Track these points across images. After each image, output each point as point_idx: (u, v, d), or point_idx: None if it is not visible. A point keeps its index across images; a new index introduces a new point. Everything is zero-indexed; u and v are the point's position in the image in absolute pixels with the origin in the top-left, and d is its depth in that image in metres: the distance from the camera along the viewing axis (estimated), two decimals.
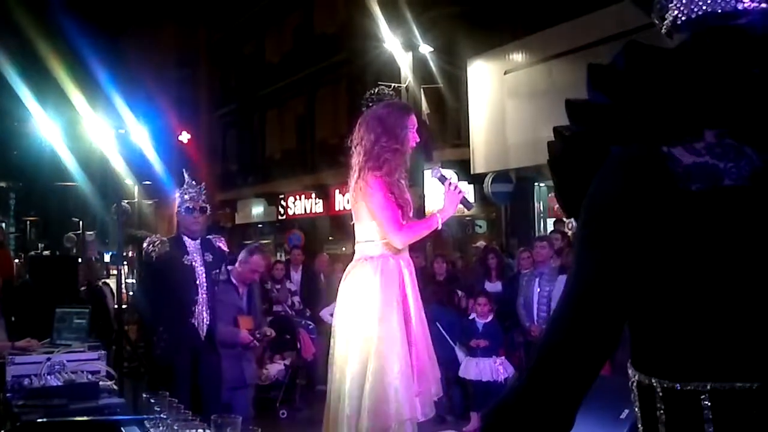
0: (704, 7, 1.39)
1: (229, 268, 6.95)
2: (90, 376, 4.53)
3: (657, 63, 1.38)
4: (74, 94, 25.70)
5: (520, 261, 8.59)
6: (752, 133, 1.33)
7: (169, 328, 5.72)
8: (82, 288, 9.90)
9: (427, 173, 13.19)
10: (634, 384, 1.44)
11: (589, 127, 1.44)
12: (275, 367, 9.02)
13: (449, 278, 9.45)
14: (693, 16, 1.39)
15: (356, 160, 4.13)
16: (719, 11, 1.37)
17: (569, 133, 1.47)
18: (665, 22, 1.45)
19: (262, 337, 7.22)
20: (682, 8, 1.41)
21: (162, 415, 2.59)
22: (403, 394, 3.86)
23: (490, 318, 8.20)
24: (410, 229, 4.05)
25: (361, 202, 4.04)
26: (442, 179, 4.32)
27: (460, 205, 4.28)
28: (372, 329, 3.90)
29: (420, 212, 14.34)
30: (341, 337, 4.00)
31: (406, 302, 4.04)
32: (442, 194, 4.26)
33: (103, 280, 12.34)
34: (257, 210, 29.08)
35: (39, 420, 3.50)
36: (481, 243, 13.75)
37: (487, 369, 7.92)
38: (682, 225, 1.33)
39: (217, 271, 6.09)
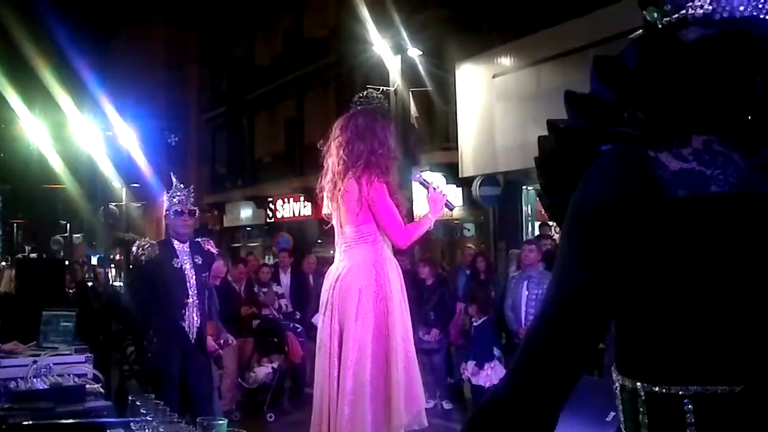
0: (726, 7, 1.35)
1: None
2: (76, 379, 4.50)
3: (668, 63, 1.35)
4: (61, 96, 25.62)
5: (524, 255, 8.39)
6: (742, 140, 1.33)
7: (159, 331, 5.71)
8: (71, 290, 9.87)
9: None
10: (618, 388, 1.44)
11: (588, 122, 1.42)
12: (263, 370, 9.01)
13: (438, 282, 9.46)
14: (717, 17, 1.35)
15: (340, 164, 4.22)
16: (743, 9, 1.34)
17: (565, 126, 1.45)
18: (674, 16, 1.39)
19: (225, 344, 7.21)
20: (705, 5, 1.36)
21: (148, 418, 2.58)
22: (421, 384, 4.25)
23: (481, 320, 8.26)
24: (412, 231, 4.28)
25: (354, 204, 4.13)
26: (425, 184, 4.53)
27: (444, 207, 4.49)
28: (390, 328, 4.07)
29: (409, 214, 14.34)
30: (354, 339, 4.05)
31: (405, 301, 4.25)
32: (426, 198, 4.46)
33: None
34: (246, 213, 29.02)
35: (25, 423, 3.48)
36: (469, 246, 13.77)
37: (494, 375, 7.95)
38: (667, 231, 1.32)
39: (206, 273, 6.09)
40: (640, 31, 1.48)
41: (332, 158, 4.28)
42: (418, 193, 15.18)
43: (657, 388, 1.35)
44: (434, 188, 4.46)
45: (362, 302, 4.07)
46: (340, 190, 4.18)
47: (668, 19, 1.39)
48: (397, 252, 4.38)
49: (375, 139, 4.21)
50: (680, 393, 1.33)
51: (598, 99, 1.42)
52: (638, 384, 1.38)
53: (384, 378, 4.03)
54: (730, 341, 1.31)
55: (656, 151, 1.35)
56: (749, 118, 1.31)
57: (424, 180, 4.58)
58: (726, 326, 1.31)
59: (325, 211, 4.40)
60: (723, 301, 1.31)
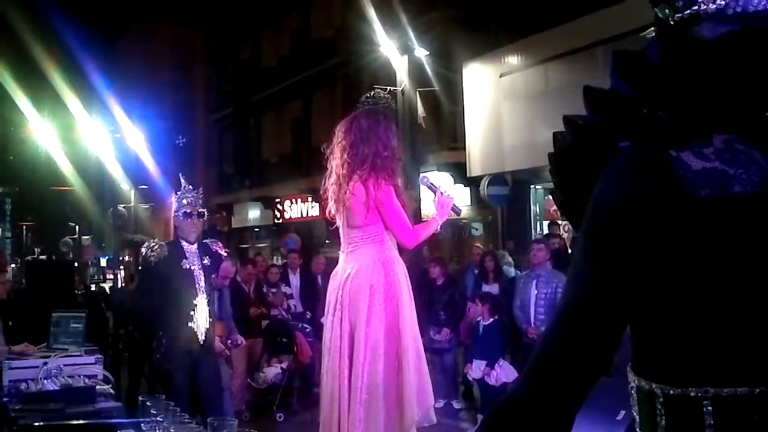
0: (740, 2, 1.32)
1: None
2: (87, 380, 4.52)
3: (689, 60, 1.33)
4: (70, 98, 25.68)
5: (533, 255, 8.34)
6: (765, 138, 1.32)
7: (168, 332, 5.72)
8: (80, 292, 9.88)
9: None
10: (634, 389, 1.43)
11: (607, 118, 1.41)
12: (272, 371, 9.02)
13: (448, 282, 9.44)
14: (730, 12, 1.33)
15: (345, 167, 4.25)
16: (756, 3, 1.31)
17: (583, 122, 1.44)
18: (686, 12, 1.37)
19: (233, 345, 7.20)
20: (718, 0, 1.34)
21: (158, 418, 2.58)
22: (430, 382, 4.29)
23: (491, 320, 8.25)
24: (419, 232, 4.34)
25: (361, 206, 4.17)
26: (433, 188, 4.58)
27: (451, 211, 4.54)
28: (401, 327, 4.12)
29: (416, 214, 14.37)
30: (367, 338, 4.09)
31: (412, 299, 4.32)
32: (433, 201, 4.53)
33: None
34: (254, 214, 29.05)
35: (36, 424, 3.49)
36: (477, 246, 13.75)
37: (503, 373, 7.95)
38: (688, 231, 1.31)
39: (215, 274, 6.10)
40: (652, 29, 1.46)
41: (336, 161, 4.31)
42: (426, 194, 15.21)
43: (675, 390, 1.34)
44: (441, 192, 4.51)
45: (373, 302, 4.11)
46: (346, 192, 4.20)
47: (680, 15, 1.37)
48: (400, 251, 4.43)
49: (379, 141, 4.24)
50: (699, 395, 1.32)
51: (617, 95, 1.40)
52: (655, 386, 1.37)
53: (396, 377, 4.07)
54: (750, 343, 1.30)
55: (677, 150, 1.33)
56: None
57: (432, 184, 4.62)
58: (746, 328, 1.30)
59: (330, 212, 4.43)
60: (743, 302, 1.30)
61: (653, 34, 1.44)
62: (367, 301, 4.10)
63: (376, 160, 4.19)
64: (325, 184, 4.41)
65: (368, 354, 4.06)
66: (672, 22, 1.39)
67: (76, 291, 9.47)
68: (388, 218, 4.20)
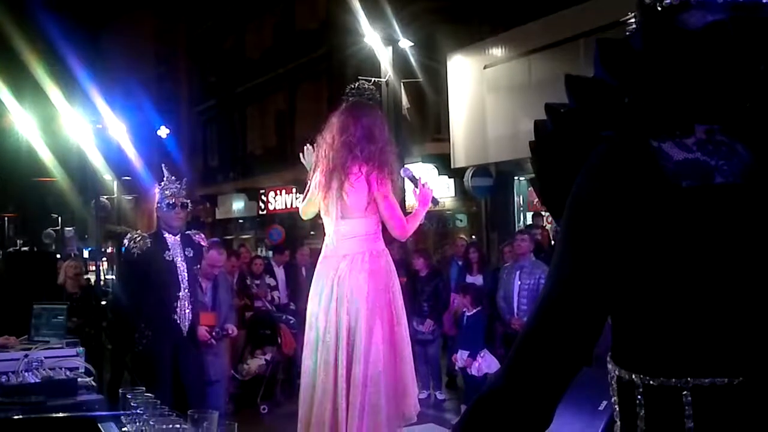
0: None
1: None
2: (68, 373, 4.49)
3: (673, 49, 1.32)
4: (51, 88, 25.45)
5: (517, 245, 8.39)
6: (746, 130, 1.31)
7: (150, 324, 5.70)
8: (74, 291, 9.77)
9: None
10: (614, 379, 1.43)
11: (589, 107, 1.40)
12: (255, 363, 9.00)
13: (432, 273, 9.46)
14: (720, 0, 1.30)
15: (349, 161, 4.29)
16: None
17: (565, 111, 1.43)
18: None
19: (221, 335, 7.16)
20: None
21: (138, 411, 2.57)
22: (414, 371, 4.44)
23: (474, 311, 8.28)
24: (411, 224, 4.46)
25: (362, 200, 4.27)
26: (414, 179, 4.67)
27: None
28: (398, 316, 4.27)
29: (401, 206, 14.33)
30: (368, 328, 4.15)
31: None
32: (414, 192, 4.65)
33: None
34: (238, 205, 28.99)
35: (16, 417, 3.46)
36: (461, 237, 13.77)
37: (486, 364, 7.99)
38: (670, 222, 1.30)
39: (198, 266, 6.07)
40: (632, 14, 1.44)
41: (333, 153, 4.33)
42: (407, 185, 15.18)
43: (655, 381, 1.34)
44: (422, 184, 4.58)
45: (372, 292, 4.19)
46: (344, 185, 4.22)
47: (669, 1, 1.35)
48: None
49: (381, 139, 4.35)
50: (678, 385, 1.32)
51: (599, 83, 1.39)
52: (635, 376, 1.37)
53: (395, 366, 4.18)
54: (729, 333, 1.30)
55: (659, 141, 1.33)
56: (753, 107, 1.29)
57: (413, 175, 4.69)
58: (726, 318, 1.30)
59: (304, 204, 4.45)
60: (723, 292, 1.30)
61: (633, 21, 1.43)
62: (365, 292, 4.17)
63: (381, 156, 4.31)
64: (311, 174, 4.44)
65: (371, 344, 4.13)
66: (659, 8, 1.36)
67: (74, 293, 9.27)
68: (386, 211, 4.29)
